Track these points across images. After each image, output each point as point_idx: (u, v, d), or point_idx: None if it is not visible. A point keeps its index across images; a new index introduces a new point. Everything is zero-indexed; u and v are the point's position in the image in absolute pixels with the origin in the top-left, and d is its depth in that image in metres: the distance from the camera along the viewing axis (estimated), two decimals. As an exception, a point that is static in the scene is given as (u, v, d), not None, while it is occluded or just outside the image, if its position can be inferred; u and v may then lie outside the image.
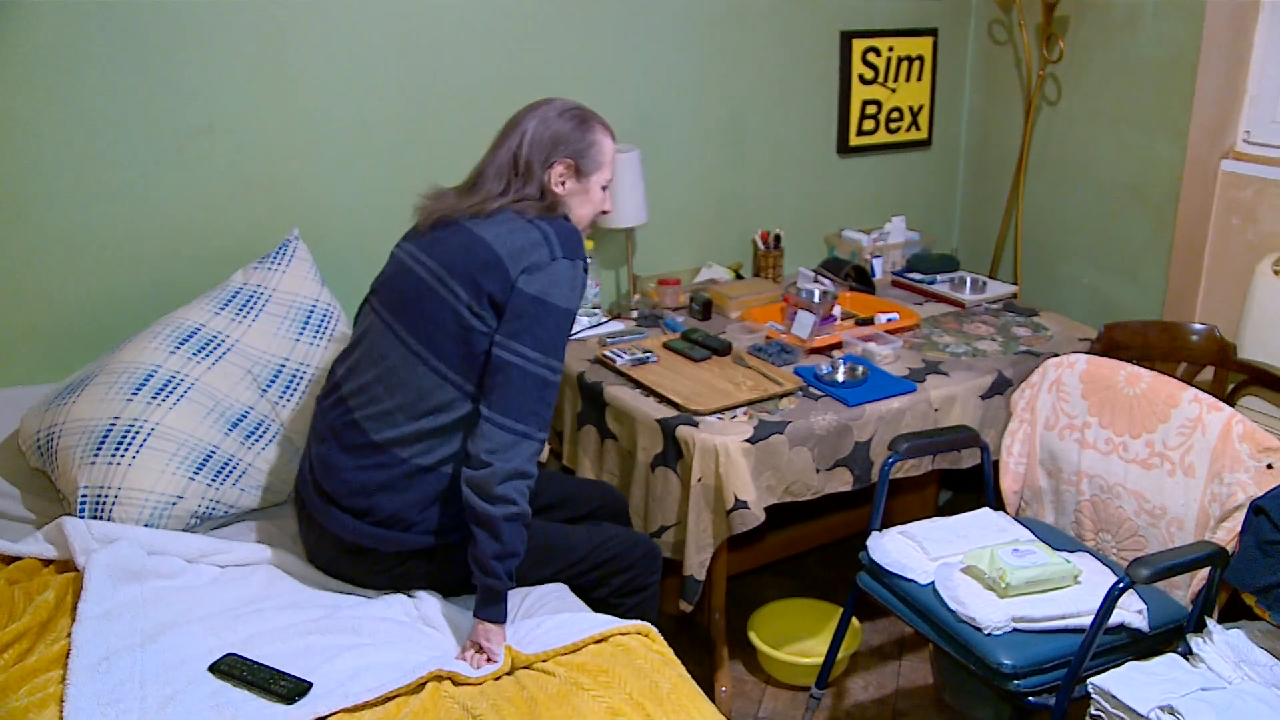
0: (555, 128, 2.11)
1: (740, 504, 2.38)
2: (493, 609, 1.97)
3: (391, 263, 2.20)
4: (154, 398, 2.31)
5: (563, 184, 2.13)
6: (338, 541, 2.11)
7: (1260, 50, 2.98)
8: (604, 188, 2.21)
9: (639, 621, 2.02)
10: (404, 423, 2.05)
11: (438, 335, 2.04)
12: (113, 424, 2.25)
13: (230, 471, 2.34)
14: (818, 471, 2.51)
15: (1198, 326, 2.85)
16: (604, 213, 2.26)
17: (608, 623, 2.00)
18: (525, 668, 1.90)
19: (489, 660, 1.92)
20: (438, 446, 2.05)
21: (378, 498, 2.06)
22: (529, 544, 2.03)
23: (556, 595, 2.16)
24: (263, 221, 2.77)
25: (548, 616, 2.04)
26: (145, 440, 2.25)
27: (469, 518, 1.97)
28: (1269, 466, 2.11)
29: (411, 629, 2.02)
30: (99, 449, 2.22)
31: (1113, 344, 2.85)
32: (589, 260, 2.63)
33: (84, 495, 2.19)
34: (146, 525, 2.21)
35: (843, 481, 2.56)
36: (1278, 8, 2.93)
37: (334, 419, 2.15)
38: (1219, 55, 2.99)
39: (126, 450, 2.23)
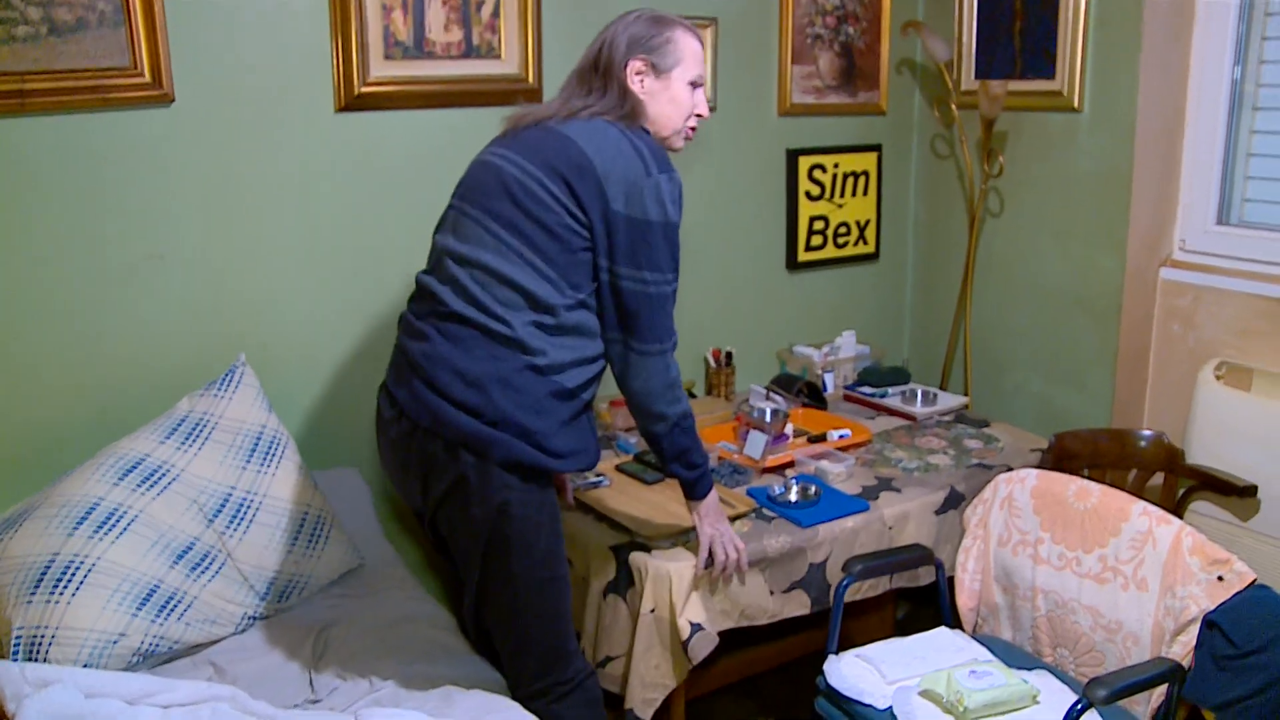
0: (632, 30, 2.17)
1: (696, 628, 2.34)
2: (695, 488, 2.27)
3: (475, 167, 2.21)
4: (95, 531, 2.25)
5: (641, 83, 2.17)
6: (441, 452, 2.06)
7: (1189, 162, 3.08)
8: (693, 86, 2.22)
9: None
10: (509, 316, 2.05)
11: (530, 228, 2.07)
12: (51, 560, 2.19)
13: (175, 606, 2.29)
14: (773, 594, 2.49)
15: (1146, 433, 2.89)
16: (699, 116, 2.27)
17: None
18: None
19: (726, 554, 2.31)
20: (548, 349, 2.06)
21: (492, 392, 2.02)
22: (531, 536, 2.10)
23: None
24: (211, 348, 2.74)
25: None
26: (86, 576, 2.19)
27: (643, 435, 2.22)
28: (1220, 579, 2.11)
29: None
30: (36, 587, 2.16)
31: (1064, 453, 2.86)
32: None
33: (18, 636, 2.12)
34: (85, 665, 2.14)
35: (800, 605, 2.53)
36: (1202, 121, 3.03)
37: (427, 319, 2.12)
38: (1151, 167, 3.08)
39: (65, 587, 2.16)
